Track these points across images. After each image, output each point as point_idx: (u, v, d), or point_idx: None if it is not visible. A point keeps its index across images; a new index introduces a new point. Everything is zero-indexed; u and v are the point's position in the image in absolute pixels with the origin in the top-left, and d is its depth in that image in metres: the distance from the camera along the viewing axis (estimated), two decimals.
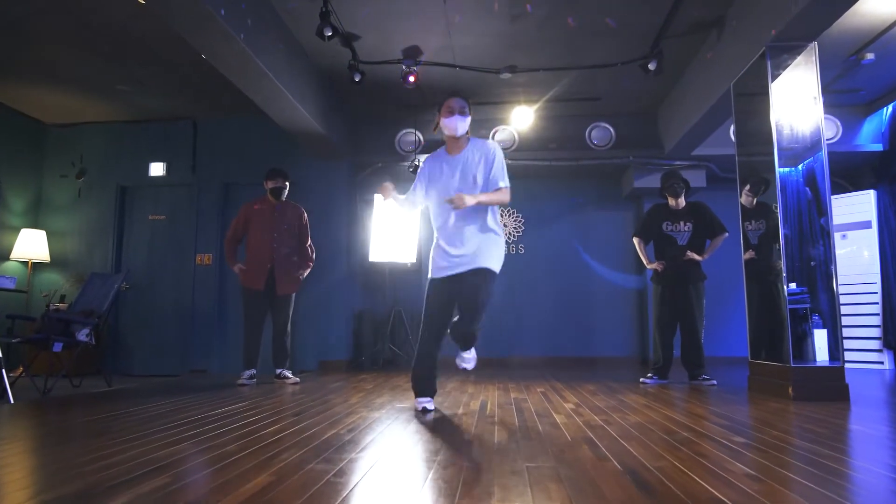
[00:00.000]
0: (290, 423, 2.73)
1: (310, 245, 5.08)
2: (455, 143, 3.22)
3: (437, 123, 3.27)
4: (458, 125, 3.15)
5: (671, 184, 4.72)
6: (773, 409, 3.19)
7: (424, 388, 3.20)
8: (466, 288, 3.04)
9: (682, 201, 4.76)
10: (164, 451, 2.13)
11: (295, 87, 4.82)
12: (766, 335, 4.10)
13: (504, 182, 3.13)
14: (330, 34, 4.24)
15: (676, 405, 3.38)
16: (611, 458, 1.98)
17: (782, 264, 3.64)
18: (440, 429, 2.59)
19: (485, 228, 3.14)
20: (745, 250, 4.30)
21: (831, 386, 3.51)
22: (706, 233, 4.71)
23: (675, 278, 4.68)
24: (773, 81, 3.77)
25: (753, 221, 4.30)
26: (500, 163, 3.15)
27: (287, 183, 4.93)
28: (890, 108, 6.17)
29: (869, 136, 6.34)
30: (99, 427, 2.71)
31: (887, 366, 6.12)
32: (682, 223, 4.72)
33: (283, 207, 4.96)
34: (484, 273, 3.05)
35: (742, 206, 4.34)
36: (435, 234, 3.31)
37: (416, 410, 3.15)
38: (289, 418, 2.90)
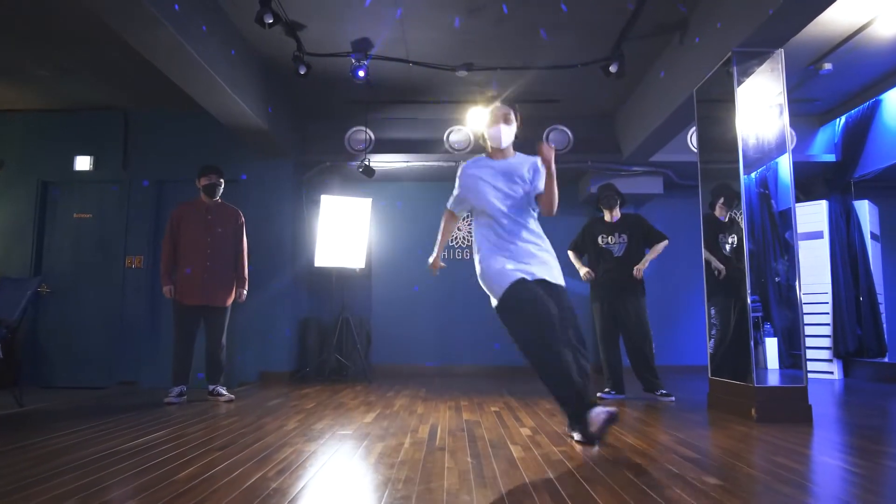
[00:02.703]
0: (211, 462, 2.39)
1: (245, 255, 4.59)
2: (500, 154, 3.07)
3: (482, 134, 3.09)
4: (503, 135, 2.98)
5: (606, 195, 4.66)
6: (739, 434, 3.03)
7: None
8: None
9: (616, 213, 4.68)
10: None
11: (233, 78, 4.43)
12: (729, 351, 3.96)
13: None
14: (271, 21, 3.89)
15: (638, 430, 3.19)
16: None
17: (747, 280, 3.49)
18: (382, 469, 2.30)
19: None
20: (719, 262, 4.14)
21: (795, 406, 3.38)
22: (644, 243, 4.61)
23: (611, 292, 4.54)
24: (738, 87, 3.63)
25: (727, 234, 4.17)
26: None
27: (222, 180, 4.51)
28: (843, 119, 6.20)
29: (822, 147, 6.37)
30: None
31: (837, 376, 6.14)
32: (616, 234, 4.62)
33: (218, 209, 4.54)
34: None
35: (714, 217, 4.21)
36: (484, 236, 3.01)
37: (359, 441, 2.85)
38: (212, 454, 2.56)
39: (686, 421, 3.45)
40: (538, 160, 2.94)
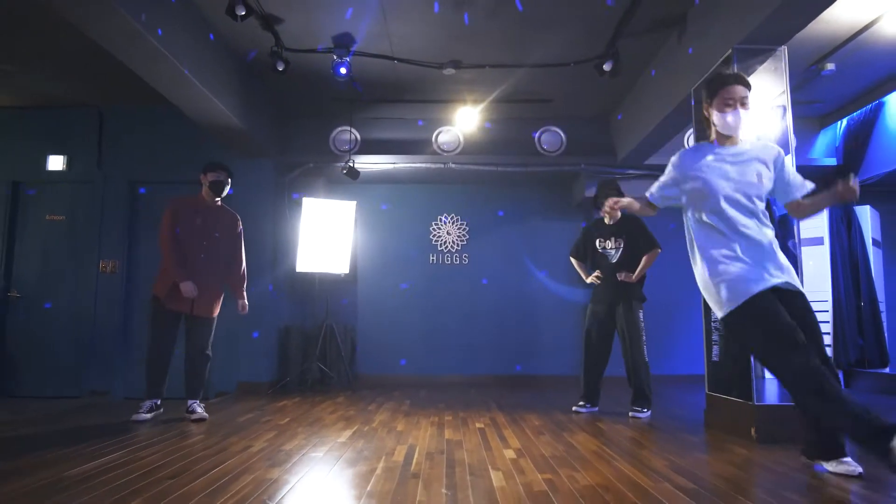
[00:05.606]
0: (159, 493, 2.15)
1: (243, 265, 4.27)
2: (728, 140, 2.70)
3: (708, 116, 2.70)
4: (739, 121, 2.59)
5: (606, 194, 4.28)
6: (740, 459, 2.81)
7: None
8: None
9: (617, 214, 4.34)
10: None
11: (206, 74, 4.19)
12: (728, 365, 3.74)
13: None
14: (244, 13, 3.65)
15: (631, 453, 2.96)
16: None
17: None
18: (346, 503, 2.07)
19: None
20: None
21: (796, 427, 3.15)
22: (637, 249, 4.33)
23: (607, 299, 4.32)
24: None
25: None
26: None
27: (230, 178, 4.17)
28: (844, 122, 6.00)
29: (822, 150, 6.17)
30: None
31: None
32: (613, 239, 4.36)
33: (218, 212, 4.18)
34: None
35: None
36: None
37: (328, 465, 2.62)
38: (162, 483, 2.32)
39: (683, 443, 3.23)
40: (783, 156, 2.64)
